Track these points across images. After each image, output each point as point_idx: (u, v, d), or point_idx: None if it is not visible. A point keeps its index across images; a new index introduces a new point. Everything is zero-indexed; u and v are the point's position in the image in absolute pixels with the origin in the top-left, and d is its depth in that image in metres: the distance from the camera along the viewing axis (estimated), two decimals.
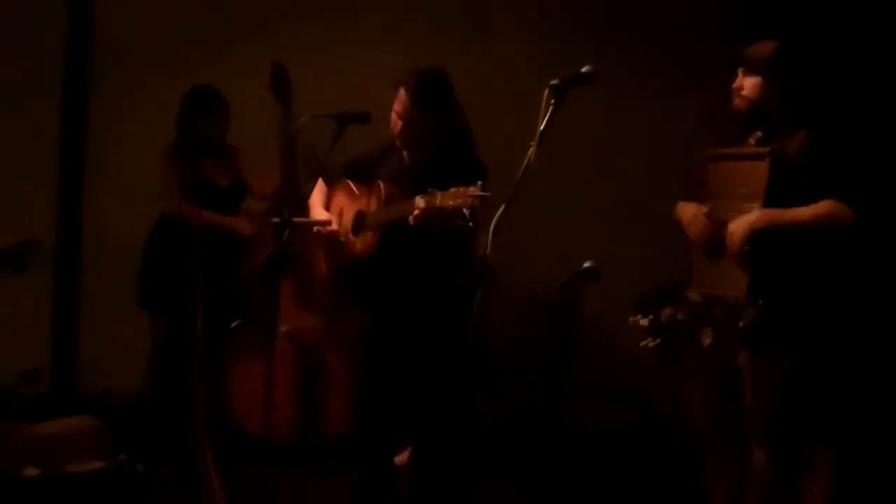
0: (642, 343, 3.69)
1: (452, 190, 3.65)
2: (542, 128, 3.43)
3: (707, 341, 3.79)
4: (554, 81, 3.48)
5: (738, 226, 3.77)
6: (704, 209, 3.91)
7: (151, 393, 5.26)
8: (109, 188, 5.95)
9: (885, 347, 4.51)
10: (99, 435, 4.17)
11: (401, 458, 4.51)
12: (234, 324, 5.02)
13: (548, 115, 3.45)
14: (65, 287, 6.04)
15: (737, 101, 3.92)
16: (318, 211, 4.35)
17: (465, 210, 3.58)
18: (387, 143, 4.24)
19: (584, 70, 3.54)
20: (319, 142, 4.47)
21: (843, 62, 4.62)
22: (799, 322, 3.77)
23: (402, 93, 4.11)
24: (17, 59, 5.90)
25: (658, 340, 3.68)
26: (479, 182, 3.61)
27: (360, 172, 4.27)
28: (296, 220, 4.02)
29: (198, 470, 4.48)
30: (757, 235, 3.73)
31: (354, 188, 4.26)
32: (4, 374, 5.73)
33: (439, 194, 3.70)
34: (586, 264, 3.48)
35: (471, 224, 3.58)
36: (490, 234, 3.37)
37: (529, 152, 3.43)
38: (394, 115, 4.12)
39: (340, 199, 4.32)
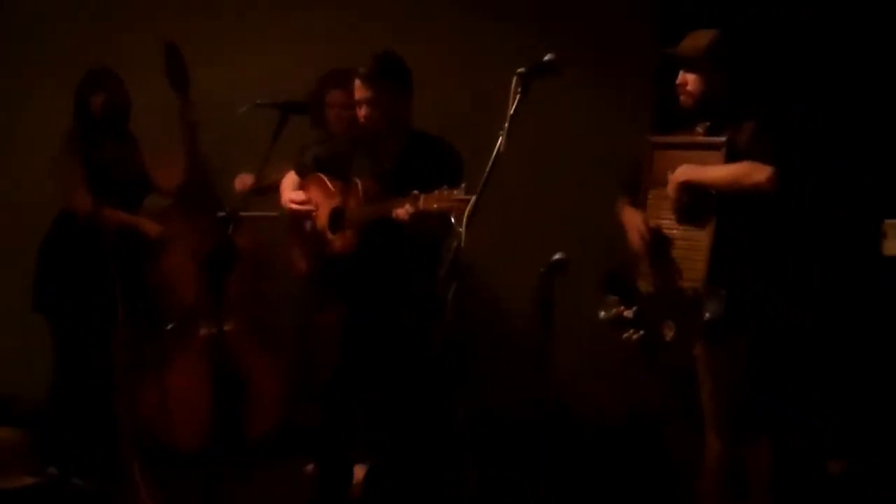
0: (625, 335, 3.65)
1: (436, 193, 3.62)
2: (510, 116, 3.38)
3: (669, 334, 3.77)
4: (520, 70, 3.43)
5: (670, 183, 3.80)
6: (649, 224, 3.88)
7: (57, 402, 4.91)
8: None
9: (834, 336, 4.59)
10: (24, 447, 3.90)
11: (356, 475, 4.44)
12: (169, 326, 4.80)
13: (515, 103, 3.39)
14: None
15: (683, 97, 3.90)
16: (286, 191, 4.22)
17: (450, 215, 3.51)
18: (355, 138, 4.16)
19: (546, 58, 3.49)
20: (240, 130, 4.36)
21: (781, 49, 4.67)
22: (756, 312, 3.79)
23: (359, 83, 4.03)
24: None
25: (641, 332, 3.64)
26: (463, 185, 3.55)
27: (332, 167, 4.16)
28: (243, 213, 3.85)
29: (125, 481, 4.24)
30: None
31: (329, 183, 4.15)
32: None
33: (422, 197, 3.63)
34: (556, 256, 3.41)
35: (455, 225, 3.49)
36: (463, 226, 3.30)
37: (499, 142, 3.37)
38: (365, 111, 4.03)
39: (315, 194, 4.20)
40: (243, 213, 3.86)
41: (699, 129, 3.95)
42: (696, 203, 3.75)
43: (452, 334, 3.33)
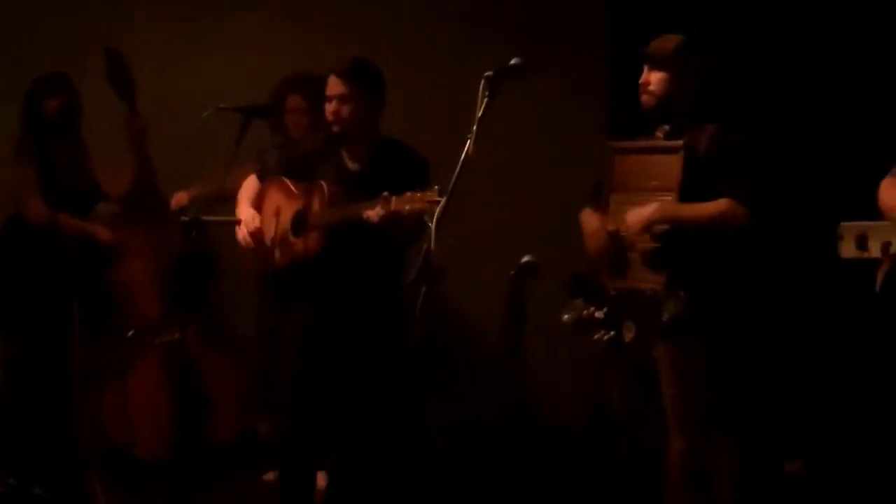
0: (595, 336, 3.66)
1: (408, 195, 3.60)
2: (478, 119, 3.41)
3: (629, 335, 3.79)
4: (487, 73, 3.46)
5: (635, 218, 3.78)
6: (608, 226, 3.89)
7: (10, 410, 4.82)
8: None
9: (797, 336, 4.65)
10: None
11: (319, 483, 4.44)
12: (129, 334, 4.75)
13: (482, 106, 3.42)
14: None
15: (644, 97, 3.91)
16: (244, 207, 4.18)
17: (423, 216, 3.51)
18: (321, 140, 4.13)
19: (512, 62, 3.53)
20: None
21: (744, 54, 4.73)
22: (715, 313, 3.83)
23: (334, 78, 4.02)
24: None
25: (612, 333, 3.65)
26: (436, 186, 3.55)
27: (297, 170, 4.14)
28: (206, 218, 3.83)
29: (85, 490, 4.19)
30: (662, 230, 3.77)
31: (292, 186, 4.13)
32: None
33: (394, 198, 3.63)
34: (525, 259, 3.44)
35: (429, 226, 3.50)
36: (433, 229, 3.31)
37: (467, 145, 3.39)
38: (336, 106, 4.01)
39: (276, 198, 4.18)
40: (206, 218, 3.84)
41: (659, 134, 3.98)
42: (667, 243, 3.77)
43: (423, 338, 3.33)
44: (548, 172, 5.53)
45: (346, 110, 4.02)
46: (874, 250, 4.46)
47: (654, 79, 3.89)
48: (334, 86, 4.03)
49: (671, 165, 3.84)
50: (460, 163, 3.38)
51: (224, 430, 4.98)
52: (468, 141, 3.39)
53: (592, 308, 3.81)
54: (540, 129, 5.72)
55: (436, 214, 3.32)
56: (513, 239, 4.93)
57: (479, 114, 3.41)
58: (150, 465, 4.79)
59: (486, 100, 3.43)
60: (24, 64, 5.19)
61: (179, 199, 4.98)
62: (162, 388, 4.82)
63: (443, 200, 3.34)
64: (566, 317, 3.97)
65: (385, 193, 3.66)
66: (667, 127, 3.96)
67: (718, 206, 3.75)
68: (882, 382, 4.46)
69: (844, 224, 4.45)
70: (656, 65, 3.88)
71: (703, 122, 3.88)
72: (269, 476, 4.82)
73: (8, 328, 4.78)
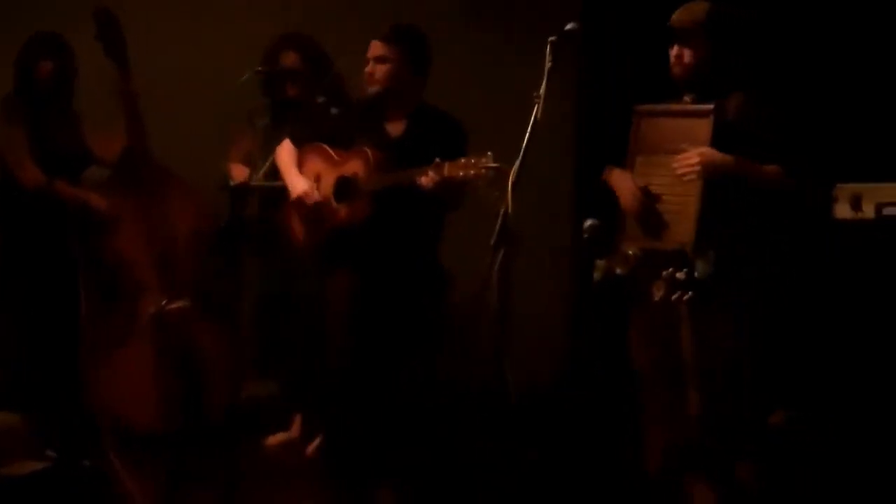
0: (674, 297, 3.73)
1: (462, 161, 3.62)
2: (544, 83, 3.45)
3: (659, 294, 3.88)
4: (551, 38, 3.51)
5: (706, 155, 3.85)
6: (640, 184, 3.97)
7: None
8: None
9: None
10: (27, 432, 3.71)
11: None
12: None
13: (547, 71, 3.47)
14: None
15: (676, 69, 4.01)
16: (296, 177, 4.11)
17: (476, 182, 3.54)
18: (358, 105, 4.10)
19: (568, 27, 3.60)
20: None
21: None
22: (746, 274, 3.95)
23: (374, 41, 4.06)
24: None
25: (690, 293, 3.72)
26: (489, 153, 3.57)
27: (334, 136, 4.09)
28: (254, 184, 3.77)
29: (105, 470, 4.08)
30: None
31: (332, 153, 4.07)
32: None
33: (447, 164, 3.62)
34: (589, 222, 3.50)
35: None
36: (509, 192, 3.34)
37: (535, 109, 3.44)
38: (373, 67, 4.00)
39: (316, 164, 4.13)
40: (254, 184, 3.77)
41: (686, 99, 4.09)
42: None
43: (499, 302, 3.35)
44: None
45: (380, 71, 4.04)
46: (868, 211, 4.70)
47: (686, 52, 3.99)
48: (373, 48, 4.05)
49: (701, 128, 3.94)
50: (530, 126, 3.42)
51: (220, 399, 4.89)
52: (535, 105, 3.44)
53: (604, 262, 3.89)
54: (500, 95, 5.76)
55: (510, 178, 3.35)
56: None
57: (545, 78, 3.45)
58: (145, 438, 4.68)
59: (550, 64, 3.47)
60: (12, 22, 4.98)
61: (240, 171, 4.77)
62: (157, 360, 4.71)
63: (516, 164, 3.37)
64: (596, 275, 4.05)
65: (437, 160, 3.68)
66: (693, 95, 4.07)
67: (772, 170, 3.87)
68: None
69: (839, 185, 4.67)
70: (688, 38, 3.97)
71: (728, 89, 4.01)
72: (272, 440, 4.78)
73: (9, 301, 4.62)
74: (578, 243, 3.99)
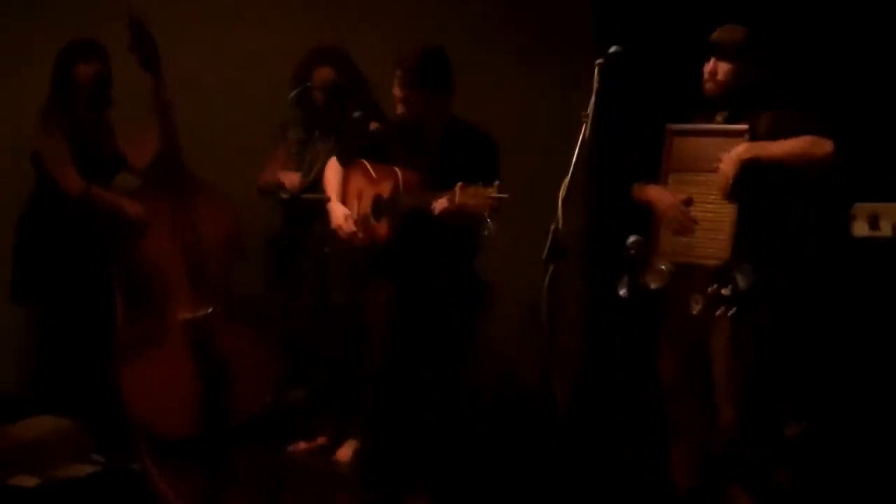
0: (718, 313, 3.83)
1: (472, 189, 3.74)
2: (592, 103, 3.55)
3: (697, 307, 3.98)
4: (599, 61, 3.61)
5: (728, 160, 3.97)
6: (681, 197, 4.09)
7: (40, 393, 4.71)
8: None
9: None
10: (77, 435, 3.77)
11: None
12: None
13: (595, 91, 3.57)
14: None
15: (709, 85, 4.12)
16: (333, 203, 4.30)
17: (483, 213, 3.65)
18: (393, 124, 4.25)
19: (612, 50, 3.69)
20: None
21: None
22: (780, 288, 4.06)
23: (398, 82, 4.20)
24: None
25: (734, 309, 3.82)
26: (496, 182, 3.70)
27: (376, 152, 4.20)
28: (305, 196, 3.86)
29: (140, 470, 4.14)
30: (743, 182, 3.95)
31: (371, 170, 4.19)
32: None
33: (458, 191, 3.74)
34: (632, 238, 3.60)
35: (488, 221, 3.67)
36: (559, 208, 3.43)
37: (583, 128, 3.54)
38: (398, 103, 4.19)
39: (358, 181, 4.26)
40: (306, 196, 3.86)
41: (718, 118, 4.20)
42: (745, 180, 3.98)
43: (548, 317, 3.43)
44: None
45: (405, 107, 4.20)
46: (885, 229, 4.82)
47: (721, 69, 4.10)
48: (396, 88, 4.20)
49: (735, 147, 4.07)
50: (578, 145, 3.51)
51: (248, 404, 4.94)
52: (584, 125, 3.53)
53: (716, 286, 3.97)
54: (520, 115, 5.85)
55: (560, 194, 3.44)
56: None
57: (593, 99, 3.54)
58: (173, 443, 4.73)
59: (597, 86, 3.57)
60: (42, 32, 5.02)
61: (292, 178, 4.85)
62: (186, 365, 4.76)
63: (566, 180, 3.47)
64: (622, 291, 4.15)
65: (459, 184, 3.80)
66: (725, 113, 4.17)
67: (803, 141, 3.94)
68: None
69: (857, 205, 4.78)
70: (725, 55, 4.09)
71: (760, 108, 4.11)
72: (300, 446, 4.85)
73: (47, 308, 4.66)
74: (592, 253, 4.09)
